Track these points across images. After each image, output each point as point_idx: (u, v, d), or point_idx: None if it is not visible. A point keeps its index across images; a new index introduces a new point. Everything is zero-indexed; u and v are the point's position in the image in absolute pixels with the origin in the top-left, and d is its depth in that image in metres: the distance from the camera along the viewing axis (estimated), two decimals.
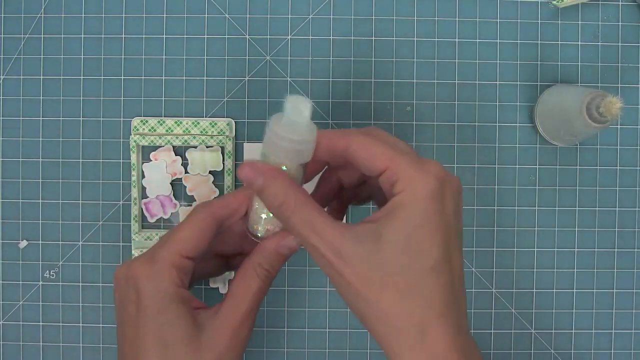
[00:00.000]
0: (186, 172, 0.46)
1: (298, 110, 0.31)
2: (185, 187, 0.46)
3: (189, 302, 0.34)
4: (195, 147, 0.46)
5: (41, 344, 0.46)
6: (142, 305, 0.33)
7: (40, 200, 0.46)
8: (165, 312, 0.33)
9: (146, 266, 0.34)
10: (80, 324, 0.46)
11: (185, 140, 0.45)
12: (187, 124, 0.46)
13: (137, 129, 0.46)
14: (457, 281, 0.30)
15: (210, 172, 0.46)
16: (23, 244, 0.46)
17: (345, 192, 0.37)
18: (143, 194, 0.46)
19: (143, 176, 0.46)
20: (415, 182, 0.30)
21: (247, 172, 0.31)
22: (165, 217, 0.46)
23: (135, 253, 0.45)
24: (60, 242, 0.46)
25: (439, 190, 0.30)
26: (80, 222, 0.46)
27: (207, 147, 0.46)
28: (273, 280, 0.36)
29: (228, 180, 0.46)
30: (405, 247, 0.29)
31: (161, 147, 0.46)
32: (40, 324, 0.46)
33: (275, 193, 0.31)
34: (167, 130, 0.46)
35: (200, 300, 0.37)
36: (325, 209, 0.35)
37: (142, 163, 0.46)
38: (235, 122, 0.46)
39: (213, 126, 0.46)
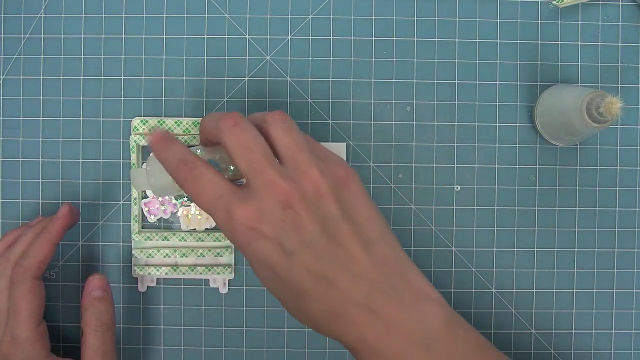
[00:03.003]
0: None
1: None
2: None
3: None
4: (195, 146, 0.46)
5: None
6: None
7: (40, 200, 0.46)
8: None
9: (11, 346, 0.39)
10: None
11: (185, 140, 0.45)
12: (187, 124, 0.46)
13: (137, 129, 0.46)
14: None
15: None
16: None
17: None
18: (143, 194, 0.46)
19: None
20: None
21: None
22: (165, 217, 0.46)
23: (135, 253, 0.45)
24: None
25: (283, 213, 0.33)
26: (80, 222, 0.46)
27: None
28: (115, 319, 0.41)
29: None
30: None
31: None
32: None
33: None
34: (167, 130, 0.46)
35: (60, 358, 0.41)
36: None
37: (142, 163, 0.46)
38: None
39: None
